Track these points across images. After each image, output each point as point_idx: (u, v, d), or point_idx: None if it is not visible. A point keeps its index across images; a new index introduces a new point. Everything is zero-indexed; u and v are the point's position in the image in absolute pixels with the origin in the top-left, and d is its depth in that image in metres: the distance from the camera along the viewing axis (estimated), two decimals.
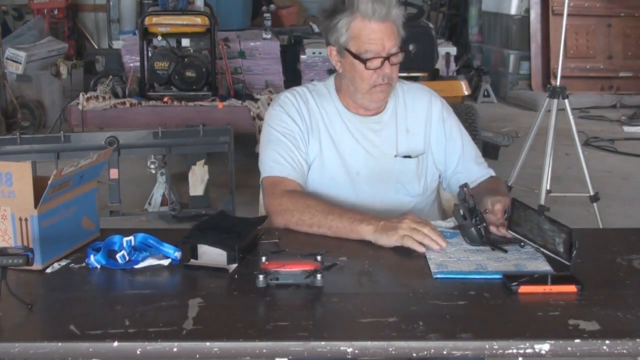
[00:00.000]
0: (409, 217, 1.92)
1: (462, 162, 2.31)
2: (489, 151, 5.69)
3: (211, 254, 1.80)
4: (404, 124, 2.28)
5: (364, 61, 2.13)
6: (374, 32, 2.12)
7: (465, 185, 1.95)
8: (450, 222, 2.04)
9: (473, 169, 2.31)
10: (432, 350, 1.44)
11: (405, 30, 2.21)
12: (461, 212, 1.90)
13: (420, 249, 1.87)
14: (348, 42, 2.15)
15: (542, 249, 1.83)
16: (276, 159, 2.19)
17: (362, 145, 2.25)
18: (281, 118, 2.24)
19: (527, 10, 9.08)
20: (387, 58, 2.13)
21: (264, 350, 1.43)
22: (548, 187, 4.27)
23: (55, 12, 9.11)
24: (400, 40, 2.17)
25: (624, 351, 1.45)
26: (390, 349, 1.44)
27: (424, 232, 1.88)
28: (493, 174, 2.34)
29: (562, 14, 4.30)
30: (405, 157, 2.26)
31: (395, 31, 2.15)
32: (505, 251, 1.88)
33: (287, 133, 2.22)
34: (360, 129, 2.25)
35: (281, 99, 2.27)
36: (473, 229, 1.89)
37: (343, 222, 1.98)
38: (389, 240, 1.90)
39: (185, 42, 6.43)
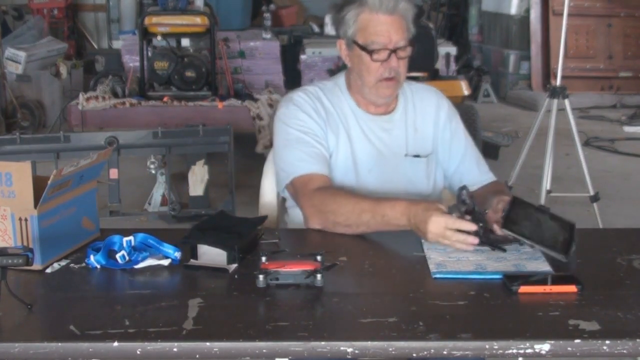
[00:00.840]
0: (433, 224, 1.86)
1: (464, 163, 2.31)
2: (489, 151, 5.69)
3: (211, 254, 1.80)
4: (412, 123, 2.29)
5: (370, 52, 2.14)
6: (381, 24, 2.13)
7: (464, 187, 1.95)
8: None
9: (474, 171, 2.31)
10: (432, 350, 1.44)
11: None
12: (460, 211, 1.89)
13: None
14: (356, 34, 2.16)
15: (536, 246, 1.83)
16: (301, 157, 2.17)
17: (374, 144, 2.24)
18: (298, 116, 2.21)
19: (527, 10, 9.08)
20: (394, 51, 2.14)
21: (264, 350, 1.43)
22: (548, 187, 4.27)
23: (55, 12, 9.12)
24: (409, 36, 2.17)
25: (624, 351, 1.45)
26: (390, 349, 1.44)
27: (451, 240, 1.85)
28: (495, 179, 2.34)
29: (562, 14, 4.30)
30: (415, 156, 2.27)
31: (403, 25, 2.15)
32: (504, 250, 1.88)
33: (306, 130, 2.19)
34: (371, 127, 2.25)
35: (294, 99, 2.25)
36: None
37: (377, 220, 1.97)
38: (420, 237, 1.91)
39: (185, 42, 6.44)
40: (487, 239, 1.89)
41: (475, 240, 1.84)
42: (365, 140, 2.24)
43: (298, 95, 2.26)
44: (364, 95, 2.23)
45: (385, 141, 2.26)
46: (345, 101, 2.27)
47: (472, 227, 1.85)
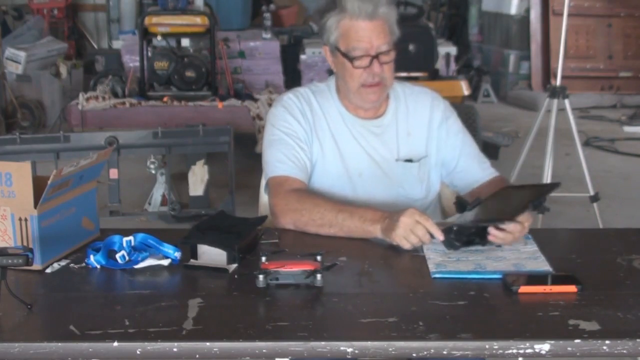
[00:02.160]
0: (406, 214, 1.89)
1: (463, 160, 2.29)
2: (489, 151, 5.68)
3: (211, 254, 1.80)
4: (405, 127, 2.27)
5: (351, 59, 2.14)
6: (361, 29, 2.12)
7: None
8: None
9: (474, 167, 2.30)
10: (432, 350, 1.44)
11: (404, 30, 2.21)
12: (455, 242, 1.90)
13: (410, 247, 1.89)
14: (338, 40, 2.16)
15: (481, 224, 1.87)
16: (280, 158, 2.19)
17: (364, 148, 2.24)
18: (284, 118, 2.23)
19: (527, 10, 9.08)
20: (375, 56, 2.13)
21: (264, 350, 1.43)
22: None
23: (55, 12, 9.12)
24: (394, 39, 2.16)
25: (624, 351, 1.45)
26: (390, 349, 1.44)
27: (418, 235, 1.87)
28: (497, 174, 2.32)
29: (562, 14, 4.29)
30: (407, 161, 2.25)
31: (385, 29, 2.14)
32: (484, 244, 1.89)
33: (290, 133, 2.21)
34: (361, 131, 2.25)
35: (284, 100, 2.27)
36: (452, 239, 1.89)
37: (354, 222, 1.98)
38: (391, 240, 1.91)
39: (185, 42, 6.45)
40: (461, 240, 1.89)
41: (439, 237, 1.87)
42: (355, 144, 2.24)
43: (288, 97, 2.28)
44: (350, 100, 2.23)
45: (375, 145, 2.25)
46: (335, 105, 2.27)
47: (440, 236, 1.86)
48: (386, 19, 2.14)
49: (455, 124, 2.32)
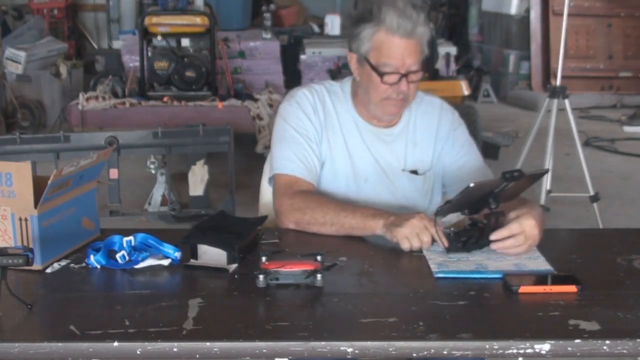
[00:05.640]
0: (416, 217, 1.89)
1: (465, 172, 2.25)
2: (489, 151, 5.68)
3: (211, 254, 1.80)
4: (413, 138, 2.26)
5: (381, 75, 2.11)
6: (396, 47, 2.09)
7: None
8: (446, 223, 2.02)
9: (476, 179, 2.27)
10: (432, 350, 1.44)
11: None
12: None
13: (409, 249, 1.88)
14: (369, 52, 2.12)
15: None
16: (289, 157, 2.17)
17: (373, 154, 2.23)
18: (297, 115, 2.22)
19: (527, 10, 9.08)
20: (405, 75, 2.10)
21: (264, 350, 1.43)
22: (548, 187, 4.27)
23: (55, 12, 9.12)
24: (422, 59, 2.14)
25: (624, 351, 1.45)
26: (390, 349, 1.44)
27: (422, 239, 1.87)
28: None
29: (562, 14, 4.30)
30: (412, 172, 2.25)
31: (418, 49, 2.11)
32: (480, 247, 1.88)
33: (301, 131, 2.20)
34: (371, 137, 2.24)
35: (298, 95, 2.25)
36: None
37: (356, 219, 1.98)
38: (392, 238, 1.90)
39: (185, 42, 6.45)
40: (460, 243, 1.89)
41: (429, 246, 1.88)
42: (364, 148, 2.23)
43: (302, 92, 2.25)
44: (369, 109, 2.21)
45: (383, 154, 2.24)
46: (347, 109, 2.25)
47: (445, 244, 1.86)
48: (421, 38, 2.11)
49: (462, 135, 2.30)
